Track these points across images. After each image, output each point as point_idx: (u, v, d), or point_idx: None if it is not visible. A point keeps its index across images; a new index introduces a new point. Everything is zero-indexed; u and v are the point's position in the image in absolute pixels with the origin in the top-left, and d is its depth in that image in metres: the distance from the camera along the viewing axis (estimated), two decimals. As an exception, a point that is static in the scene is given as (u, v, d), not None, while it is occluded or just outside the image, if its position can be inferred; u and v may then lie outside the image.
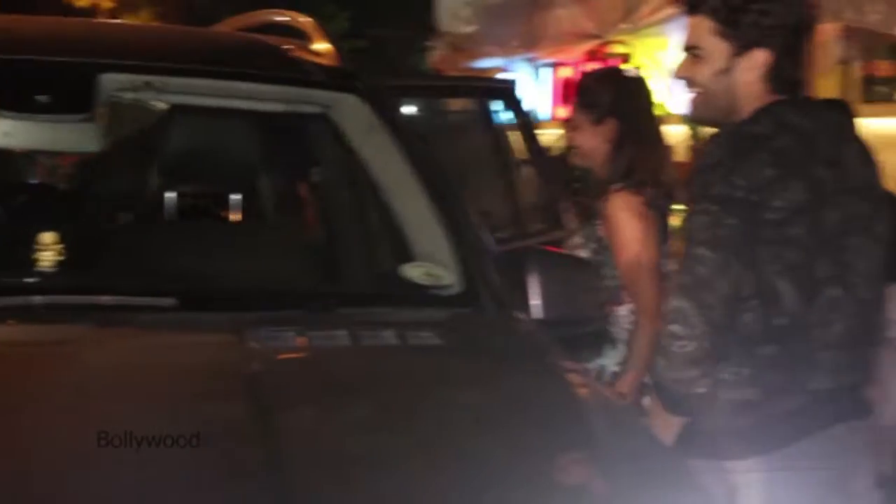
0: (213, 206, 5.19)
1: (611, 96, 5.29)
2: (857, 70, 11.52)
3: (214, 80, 4.53)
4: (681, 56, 3.63)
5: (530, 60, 14.41)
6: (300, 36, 4.85)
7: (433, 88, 10.99)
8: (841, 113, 4.12)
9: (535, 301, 4.08)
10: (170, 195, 4.94)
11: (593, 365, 5.04)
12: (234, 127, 4.97)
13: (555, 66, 13.92)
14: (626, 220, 5.01)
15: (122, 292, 3.81)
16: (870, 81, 11.41)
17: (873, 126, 7.90)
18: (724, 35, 3.45)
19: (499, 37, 14.91)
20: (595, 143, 5.26)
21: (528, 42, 14.21)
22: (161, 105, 4.35)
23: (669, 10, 11.81)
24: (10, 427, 2.92)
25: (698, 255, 3.45)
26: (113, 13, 30.17)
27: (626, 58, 12.68)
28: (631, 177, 5.16)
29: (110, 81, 4.22)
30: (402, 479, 2.87)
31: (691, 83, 3.61)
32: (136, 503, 2.67)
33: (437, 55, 16.17)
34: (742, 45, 3.47)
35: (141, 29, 7.23)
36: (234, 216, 5.18)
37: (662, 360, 3.54)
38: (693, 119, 3.96)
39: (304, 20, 4.99)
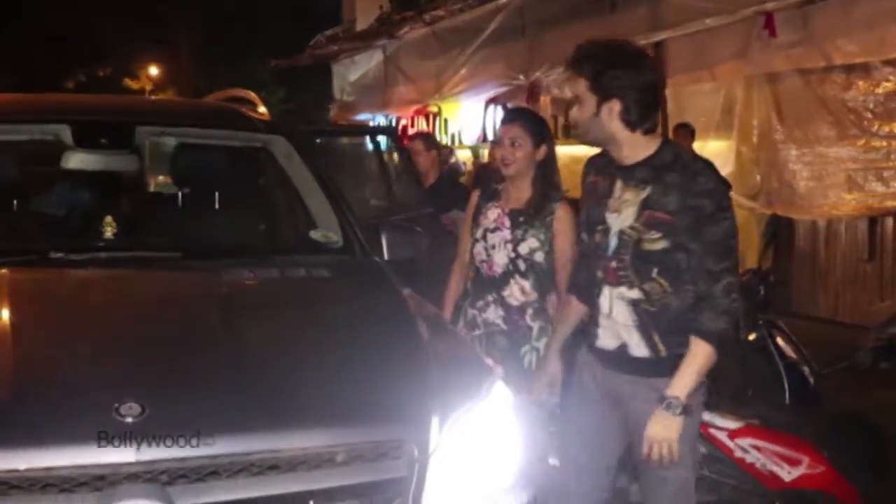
0: (203, 199, 4.96)
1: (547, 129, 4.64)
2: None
3: (203, 128, 4.76)
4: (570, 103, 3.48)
5: (385, 115, 14.89)
6: (251, 103, 5.27)
7: (347, 130, 11.44)
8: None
9: (385, 250, 4.28)
10: (179, 193, 4.83)
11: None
12: (214, 154, 4.97)
13: (397, 118, 14.38)
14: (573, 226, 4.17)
15: (150, 249, 4.03)
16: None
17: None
18: (592, 90, 3.32)
19: (367, 103, 15.35)
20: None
21: (383, 105, 14.61)
22: (172, 143, 4.57)
23: (462, 87, 12.29)
24: (74, 312, 3.31)
25: (735, 246, 3.28)
26: (151, 93, 29.80)
27: (437, 113, 13.23)
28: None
29: (143, 131, 4.45)
30: (299, 347, 3.15)
31: (575, 123, 3.48)
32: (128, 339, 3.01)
33: (333, 112, 16.57)
34: (603, 97, 3.30)
35: (162, 101, 7.16)
36: (215, 206, 4.98)
37: (729, 317, 3.22)
38: (583, 142, 3.55)
39: (252, 95, 5.32)
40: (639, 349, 3.37)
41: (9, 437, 2.45)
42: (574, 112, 3.43)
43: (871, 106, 7.37)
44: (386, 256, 4.27)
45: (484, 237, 4.45)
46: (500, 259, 4.41)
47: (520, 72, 11.36)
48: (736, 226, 3.31)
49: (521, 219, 4.39)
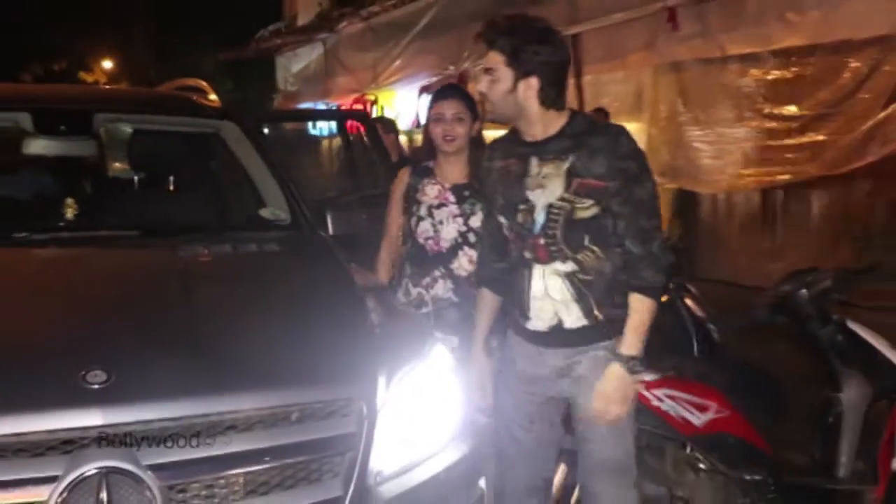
0: (159, 182, 5.13)
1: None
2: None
3: (157, 115, 4.68)
4: (480, 76, 3.17)
5: (326, 103, 14.72)
6: (202, 91, 5.18)
7: (324, 113, 11.30)
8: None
9: (330, 226, 4.23)
10: (136, 176, 4.75)
11: None
12: (169, 139, 4.96)
13: (339, 105, 14.13)
14: None
15: (109, 228, 3.96)
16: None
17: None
18: (509, 65, 3.05)
19: (309, 92, 15.22)
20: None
21: (324, 94, 14.51)
22: (128, 129, 4.43)
23: (397, 77, 12.26)
24: (39, 287, 3.19)
25: (659, 205, 3.14)
26: (105, 84, 29.33)
27: (374, 101, 13.04)
28: None
29: (100, 118, 4.34)
30: (252, 315, 3.09)
31: (487, 97, 3.16)
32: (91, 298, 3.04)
33: (278, 102, 16.44)
34: (521, 73, 3.05)
35: (118, 90, 7.07)
36: (170, 187, 5.17)
37: (666, 271, 3.10)
38: (491, 119, 3.31)
39: (203, 84, 5.23)
40: (576, 320, 3.14)
41: None
42: (484, 86, 3.15)
43: (763, 91, 7.48)
44: (331, 232, 4.21)
45: (430, 214, 4.12)
46: (449, 233, 4.10)
47: (450, 63, 11.38)
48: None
49: (467, 193, 4.09)
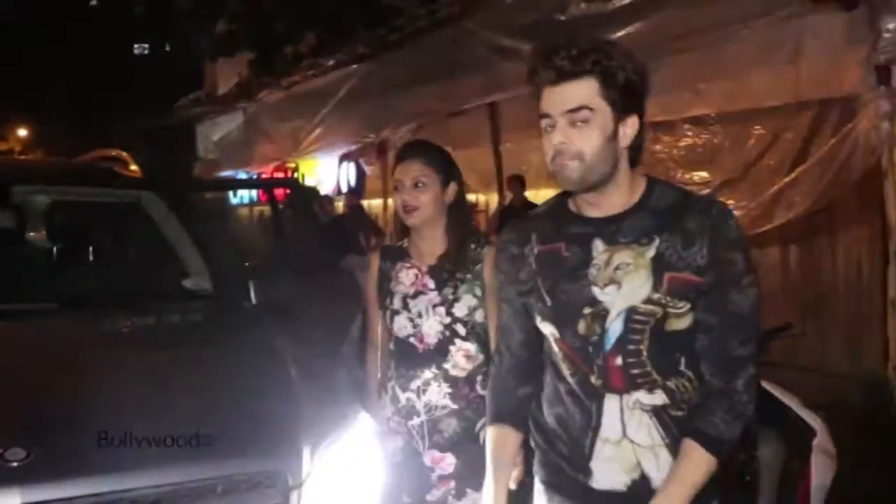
0: (80, 253, 4.95)
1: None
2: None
3: (78, 186, 4.66)
4: (555, 125, 2.09)
5: (247, 171, 14.73)
6: (123, 162, 5.15)
7: (255, 182, 11.30)
8: None
9: (252, 293, 4.18)
10: (55, 247, 4.64)
11: None
12: (89, 210, 4.89)
13: (259, 174, 14.19)
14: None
15: (28, 301, 3.79)
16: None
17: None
18: (606, 98, 2.07)
19: (230, 160, 15.26)
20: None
21: (245, 163, 14.58)
22: (47, 199, 4.41)
23: (318, 145, 12.34)
24: None
25: (759, 324, 2.21)
26: (20, 153, 29.08)
27: (296, 169, 13.21)
28: None
29: (19, 190, 4.33)
30: (175, 389, 3.05)
31: (567, 153, 2.09)
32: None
33: (198, 170, 16.46)
34: (621, 110, 2.10)
35: (38, 161, 7.01)
36: (90, 258, 4.98)
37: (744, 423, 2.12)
38: (571, 187, 2.16)
39: (123, 154, 5.22)
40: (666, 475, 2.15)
41: None
42: (568, 135, 2.10)
43: (676, 157, 7.67)
44: (254, 301, 4.19)
45: (405, 306, 3.26)
46: (432, 327, 3.21)
47: (370, 131, 11.49)
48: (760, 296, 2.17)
49: (446, 275, 3.22)
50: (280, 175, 13.32)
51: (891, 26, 5.07)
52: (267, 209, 12.55)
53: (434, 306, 3.21)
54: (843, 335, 6.50)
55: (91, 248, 4.78)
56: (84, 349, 3.43)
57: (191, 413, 2.84)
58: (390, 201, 12.31)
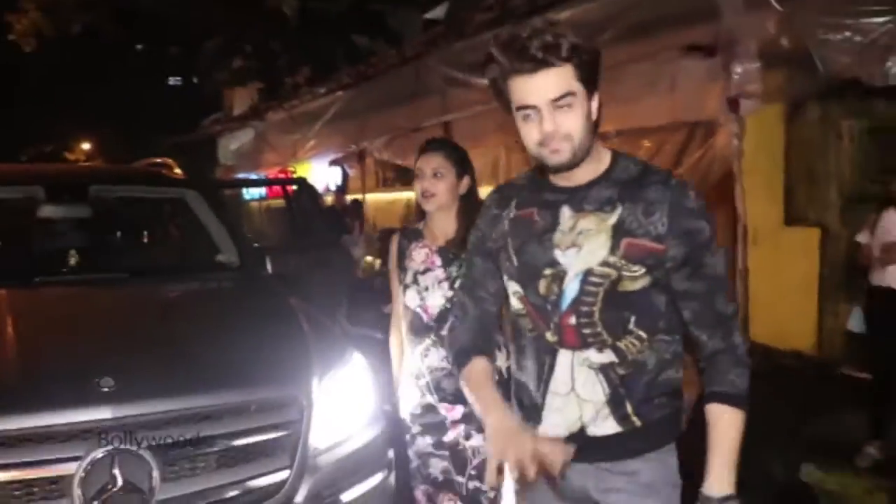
0: (140, 237, 5.10)
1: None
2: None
3: (134, 185, 4.68)
4: (544, 111, 1.75)
5: (257, 173, 14.44)
6: (169, 167, 5.19)
7: (267, 181, 11.17)
8: None
9: (268, 266, 4.20)
10: (121, 233, 4.82)
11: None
12: (145, 202, 4.87)
13: (267, 175, 13.84)
14: None
15: (104, 272, 3.87)
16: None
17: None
18: (581, 79, 1.76)
19: (243, 166, 15.02)
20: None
21: (255, 167, 14.31)
22: (114, 196, 4.45)
23: (312, 153, 12.11)
24: (57, 317, 3.23)
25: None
26: (84, 161, 28.64)
27: (294, 171, 12.86)
28: None
29: (94, 189, 4.30)
30: (217, 335, 3.11)
31: (565, 133, 1.77)
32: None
33: (219, 173, 16.00)
34: (593, 88, 1.80)
35: (106, 168, 6.84)
36: (147, 241, 5.14)
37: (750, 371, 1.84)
38: (564, 165, 1.82)
39: (170, 161, 5.28)
40: (603, 426, 1.87)
41: (21, 404, 2.43)
42: (558, 121, 1.77)
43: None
44: (269, 271, 4.22)
45: (415, 280, 3.00)
46: (436, 300, 2.94)
47: (352, 142, 11.51)
48: None
49: (452, 255, 2.92)
50: (282, 176, 13.20)
51: (739, 70, 5.20)
52: (273, 202, 12.58)
53: (439, 282, 2.94)
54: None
55: (147, 232, 4.86)
56: (149, 306, 3.51)
57: (229, 352, 2.90)
58: (368, 196, 12.47)
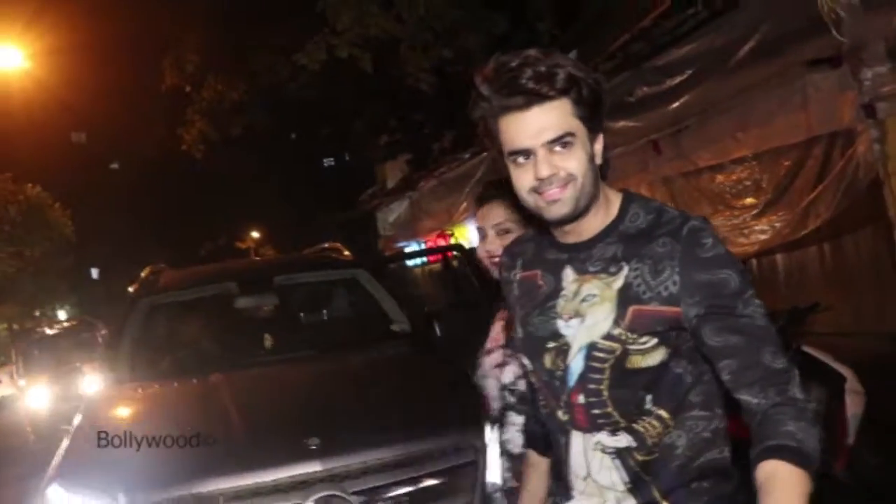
0: (320, 315, 5.38)
1: None
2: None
3: (311, 271, 5.05)
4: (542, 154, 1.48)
5: (416, 241, 14.91)
6: (339, 250, 5.58)
7: (431, 251, 11.59)
8: None
9: (438, 332, 4.43)
10: (303, 313, 5.18)
11: None
12: (323, 284, 5.12)
13: (426, 241, 14.30)
14: None
15: (296, 350, 4.22)
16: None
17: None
18: (580, 117, 1.49)
19: (402, 235, 15.35)
20: None
21: (413, 235, 14.70)
22: (296, 282, 4.82)
23: (465, 215, 12.25)
24: (267, 389, 3.61)
25: None
26: (255, 251, 30.15)
27: (452, 234, 13.13)
28: None
29: (279, 279, 4.70)
30: (401, 396, 3.37)
31: (571, 177, 1.49)
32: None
33: (381, 244, 16.49)
34: (595, 126, 1.53)
35: (285, 258, 7.05)
36: (327, 318, 5.36)
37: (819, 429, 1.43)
38: (566, 216, 1.52)
39: (339, 245, 5.36)
40: None
41: (253, 464, 2.86)
42: (557, 163, 1.50)
43: (728, 190, 7.72)
44: (438, 335, 4.46)
45: (479, 364, 2.51)
46: (492, 391, 2.43)
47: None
48: None
49: None
50: (441, 241, 13.66)
51: (869, 75, 5.19)
52: (433, 267, 13.01)
53: (492, 367, 2.48)
54: (869, 303, 6.48)
55: (327, 311, 5.22)
56: (338, 375, 3.85)
57: (411, 408, 3.27)
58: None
